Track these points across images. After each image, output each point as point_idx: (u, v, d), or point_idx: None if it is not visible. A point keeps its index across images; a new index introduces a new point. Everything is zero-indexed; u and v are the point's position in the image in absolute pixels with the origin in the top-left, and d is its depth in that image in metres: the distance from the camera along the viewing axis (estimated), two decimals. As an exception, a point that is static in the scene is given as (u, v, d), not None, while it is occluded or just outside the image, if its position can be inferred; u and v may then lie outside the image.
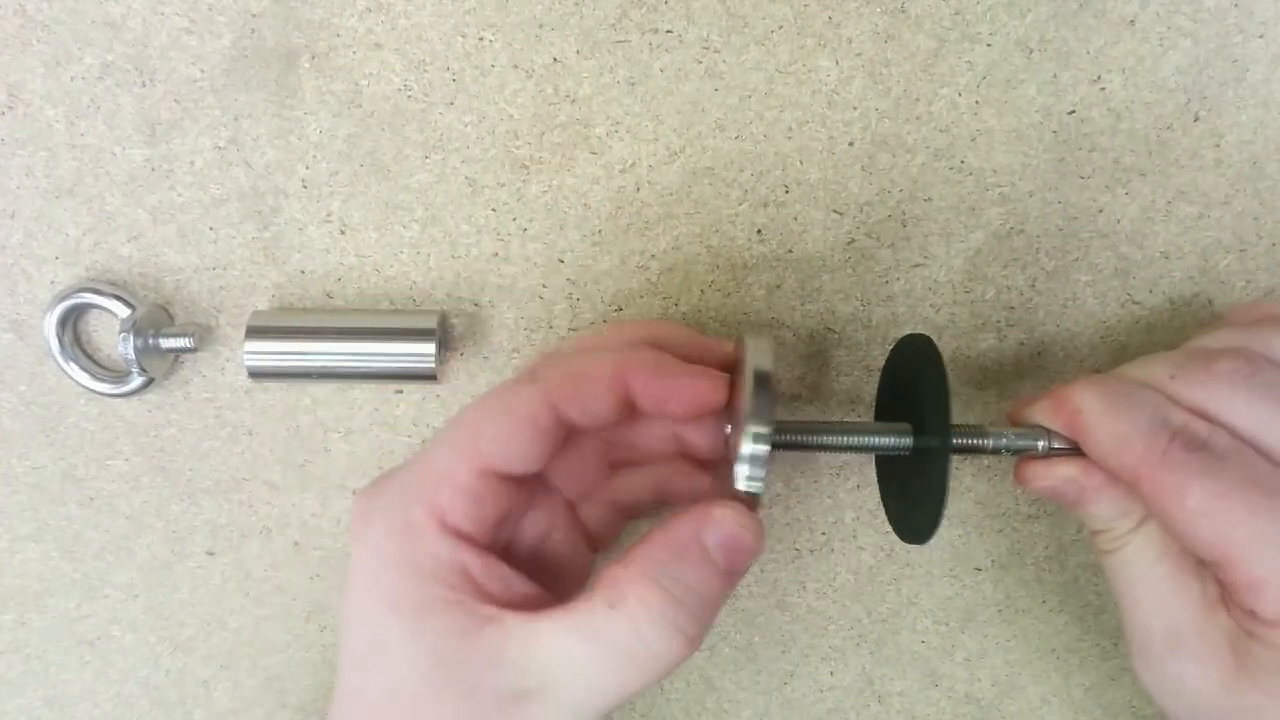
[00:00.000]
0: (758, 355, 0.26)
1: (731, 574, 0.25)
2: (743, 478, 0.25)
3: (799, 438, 0.28)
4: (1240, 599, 0.25)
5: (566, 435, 0.27)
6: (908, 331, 0.34)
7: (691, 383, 0.27)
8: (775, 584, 0.37)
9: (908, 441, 0.28)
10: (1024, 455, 0.28)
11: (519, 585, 0.26)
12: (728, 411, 0.28)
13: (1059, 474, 0.27)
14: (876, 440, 0.28)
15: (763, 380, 0.26)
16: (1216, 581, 0.27)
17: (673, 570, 0.24)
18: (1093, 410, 0.26)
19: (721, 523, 0.25)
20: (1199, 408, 0.26)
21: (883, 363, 0.32)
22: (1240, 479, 0.24)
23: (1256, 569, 0.24)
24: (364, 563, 0.26)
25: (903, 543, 0.36)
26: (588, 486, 0.30)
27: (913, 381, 0.29)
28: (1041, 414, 0.28)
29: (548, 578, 0.28)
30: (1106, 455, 0.26)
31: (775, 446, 0.25)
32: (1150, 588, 0.27)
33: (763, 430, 0.25)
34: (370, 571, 0.26)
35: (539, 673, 0.24)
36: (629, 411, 0.27)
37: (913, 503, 0.29)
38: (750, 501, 0.26)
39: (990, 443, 0.28)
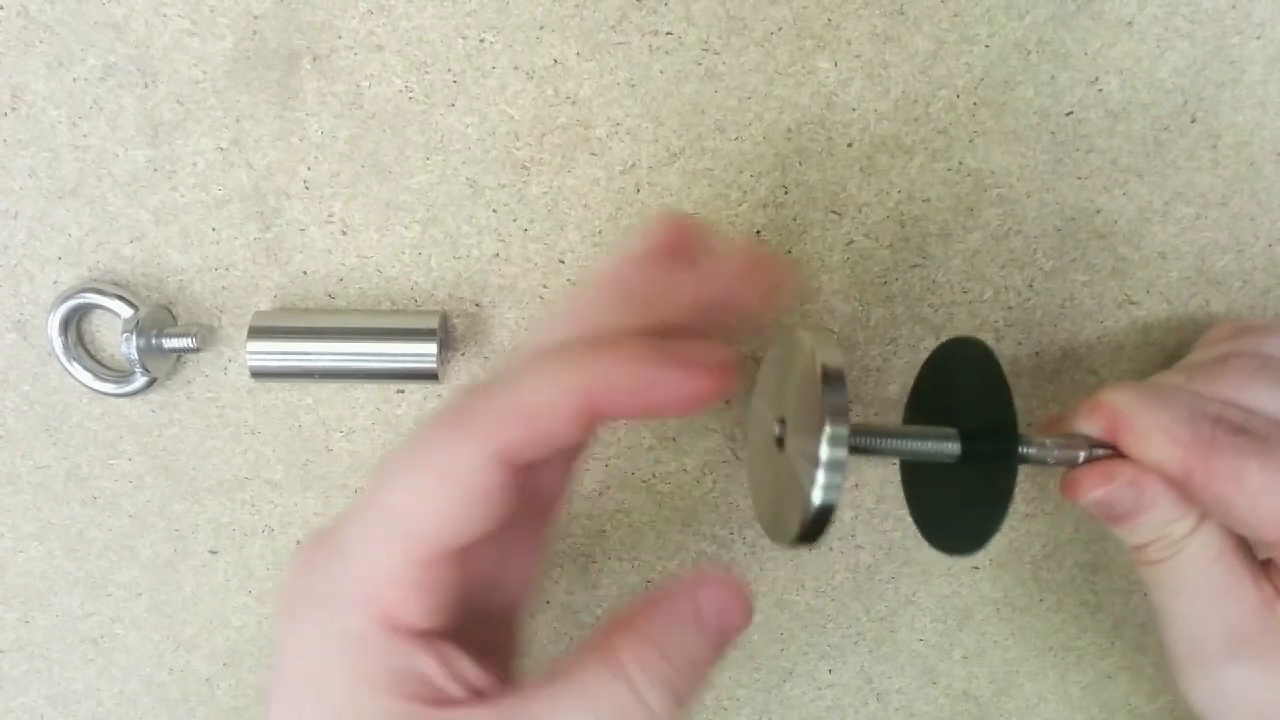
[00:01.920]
0: (824, 350, 0.24)
1: (722, 643, 0.24)
2: (819, 486, 0.23)
3: (877, 441, 0.26)
4: None
5: (524, 475, 0.23)
6: (905, 331, 0.34)
7: (688, 378, 0.22)
8: (774, 582, 0.37)
9: (955, 448, 0.27)
10: (1068, 467, 0.27)
11: (476, 677, 0.23)
12: (761, 402, 0.26)
13: (1118, 476, 0.26)
14: (947, 447, 0.27)
15: (836, 377, 0.23)
16: (1270, 578, 0.26)
17: (670, 635, 0.23)
18: (1132, 409, 0.26)
19: (717, 591, 0.24)
20: (1225, 400, 0.26)
21: (882, 363, 0.32)
22: None
23: None
24: (298, 670, 0.23)
25: (904, 544, 0.36)
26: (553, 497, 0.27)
27: (966, 387, 0.28)
28: (1077, 423, 0.27)
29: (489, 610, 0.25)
30: (1153, 451, 0.25)
31: (853, 451, 0.23)
32: (1206, 593, 0.27)
33: (842, 432, 0.22)
34: (305, 681, 0.23)
35: None
36: (602, 423, 0.23)
37: (960, 511, 0.27)
38: (729, 580, 0.24)
39: (1037, 452, 0.26)
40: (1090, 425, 0.27)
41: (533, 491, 0.26)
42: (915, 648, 0.38)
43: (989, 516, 0.25)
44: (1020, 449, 0.26)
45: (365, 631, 0.22)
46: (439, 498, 0.22)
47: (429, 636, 0.23)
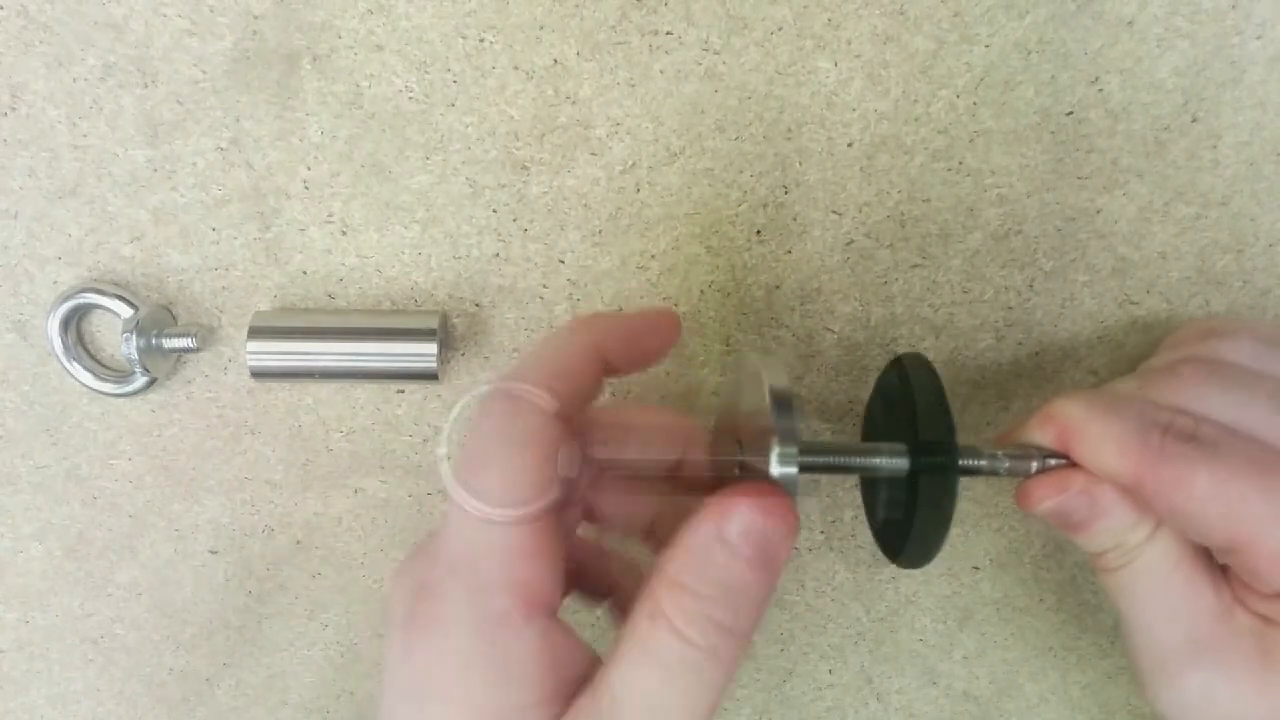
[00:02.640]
0: (772, 373, 0.25)
1: (765, 565, 0.23)
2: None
3: (827, 459, 0.27)
4: (1260, 581, 0.25)
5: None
6: (905, 331, 0.34)
7: (662, 323, 0.27)
8: (774, 582, 0.37)
9: (904, 464, 0.27)
10: (1023, 477, 0.27)
11: (584, 656, 0.24)
12: (740, 437, 0.27)
13: (1070, 486, 0.26)
14: (897, 462, 0.27)
15: (783, 398, 0.24)
16: (1229, 582, 0.26)
17: (700, 570, 0.23)
18: (1081, 419, 0.26)
19: (741, 514, 0.23)
20: (1176, 407, 0.26)
21: (882, 363, 0.32)
22: (1239, 459, 0.25)
23: (1275, 542, 0.24)
24: (432, 672, 0.23)
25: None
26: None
27: (910, 401, 0.28)
28: (1029, 434, 0.27)
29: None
30: (1103, 461, 0.26)
31: (803, 470, 0.24)
32: (1165, 599, 0.27)
33: (790, 450, 0.24)
34: (442, 680, 0.23)
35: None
36: (606, 377, 0.27)
37: (911, 524, 0.28)
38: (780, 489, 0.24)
39: (987, 464, 0.27)
40: (1042, 435, 0.27)
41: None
42: (916, 648, 0.38)
43: (936, 527, 0.26)
44: (970, 461, 0.26)
45: (508, 610, 0.23)
46: (525, 464, 0.23)
47: (556, 613, 0.24)
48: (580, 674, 0.24)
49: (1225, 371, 0.28)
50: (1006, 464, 0.27)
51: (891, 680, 0.38)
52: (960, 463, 0.26)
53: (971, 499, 0.36)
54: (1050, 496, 0.27)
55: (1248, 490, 0.24)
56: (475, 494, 0.23)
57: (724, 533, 0.23)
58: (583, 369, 0.26)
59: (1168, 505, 0.25)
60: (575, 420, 0.25)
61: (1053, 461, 0.27)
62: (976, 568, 0.37)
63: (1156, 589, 0.27)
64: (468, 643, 0.23)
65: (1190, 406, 0.26)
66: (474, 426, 0.24)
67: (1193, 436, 0.25)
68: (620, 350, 0.27)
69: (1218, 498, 0.24)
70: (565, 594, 0.26)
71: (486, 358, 0.34)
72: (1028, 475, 0.27)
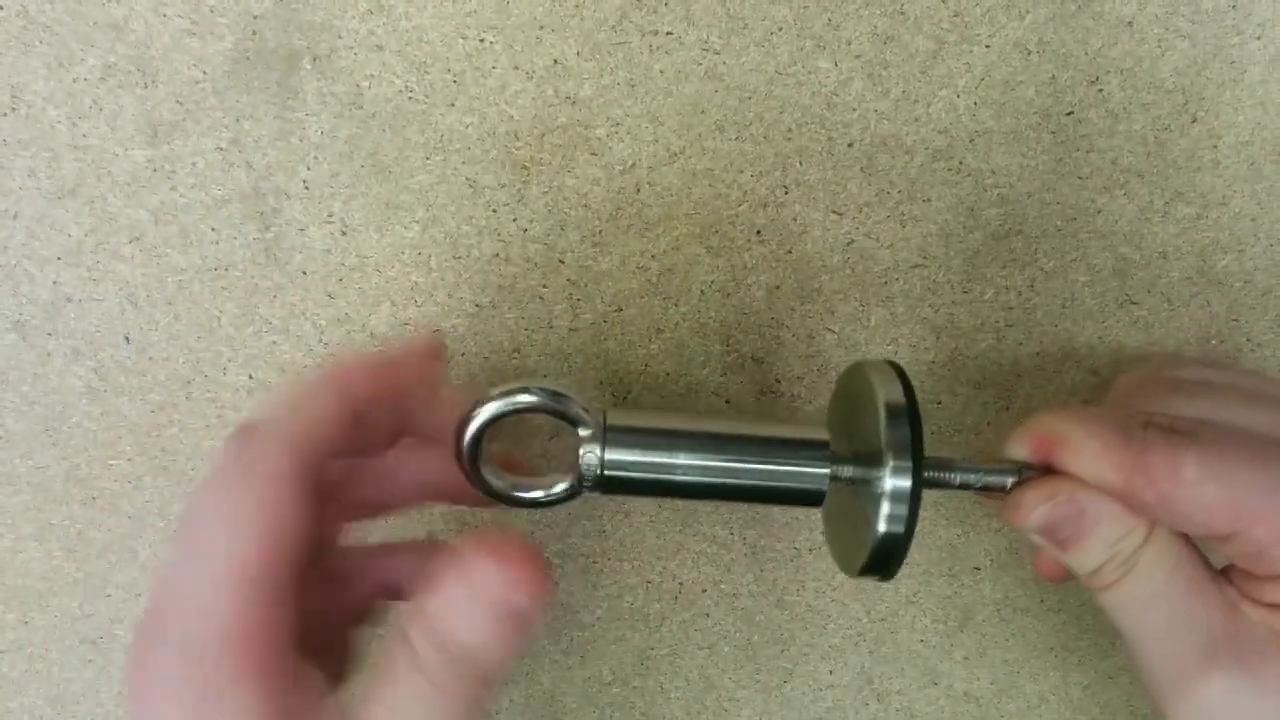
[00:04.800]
0: (886, 386, 0.25)
1: (515, 627, 0.23)
2: (884, 516, 0.25)
3: (937, 475, 0.27)
4: (1266, 563, 0.24)
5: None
6: (906, 331, 0.34)
7: (414, 351, 0.27)
8: (774, 583, 0.37)
9: (1010, 480, 0.27)
10: (1008, 491, 0.27)
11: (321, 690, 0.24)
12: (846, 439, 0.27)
13: (1059, 491, 0.26)
14: (1006, 480, 0.27)
15: (898, 411, 0.25)
16: (1232, 580, 0.26)
17: (451, 621, 0.23)
18: (1062, 427, 0.26)
19: (493, 582, 0.23)
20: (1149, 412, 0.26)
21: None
22: (1223, 440, 0.25)
23: (1276, 522, 0.24)
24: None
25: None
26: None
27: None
28: (1014, 450, 0.27)
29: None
30: (1089, 461, 0.25)
31: (927, 485, 0.24)
32: (1171, 604, 0.26)
33: (905, 464, 0.24)
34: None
35: None
36: (365, 415, 0.25)
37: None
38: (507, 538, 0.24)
39: (958, 478, 0.26)
40: (1020, 450, 0.27)
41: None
42: (916, 648, 0.38)
43: (898, 543, 0.25)
44: (947, 475, 0.26)
45: (226, 674, 0.22)
46: (248, 516, 0.23)
47: (281, 659, 0.23)
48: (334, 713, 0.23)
49: (1187, 386, 0.28)
50: (985, 478, 0.26)
51: (892, 680, 0.38)
52: (927, 475, 0.26)
53: (972, 499, 0.36)
54: (1040, 503, 0.26)
55: (1238, 466, 0.24)
56: (195, 551, 0.23)
57: (477, 587, 0.23)
58: (326, 417, 0.24)
59: (1161, 497, 0.24)
60: (318, 467, 0.24)
61: (1032, 474, 0.26)
62: (977, 568, 0.37)
63: (1160, 594, 0.26)
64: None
65: (1164, 409, 0.27)
66: (203, 482, 0.24)
67: (1173, 427, 0.25)
68: (371, 387, 0.26)
69: (1209, 479, 0.24)
70: (342, 628, 0.26)
71: (486, 358, 0.34)
72: (1004, 490, 0.27)
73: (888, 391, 0.26)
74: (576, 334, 0.34)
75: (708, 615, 0.37)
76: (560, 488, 0.27)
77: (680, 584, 0.37)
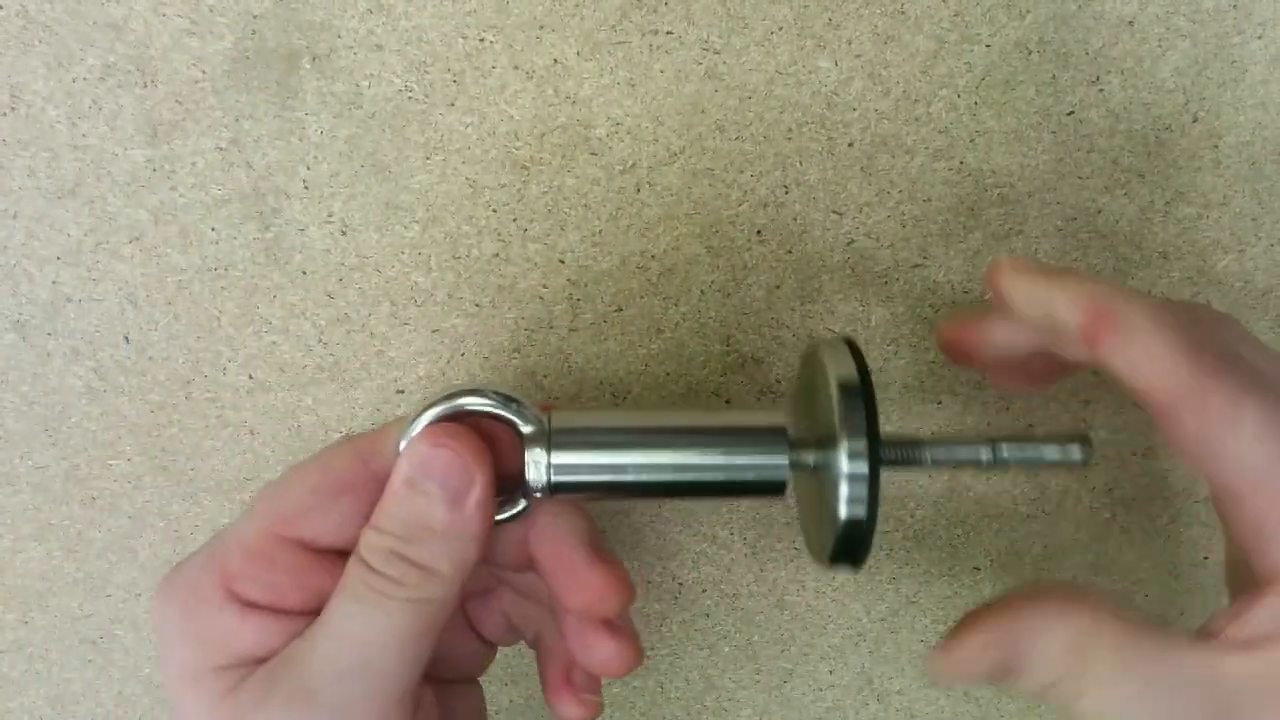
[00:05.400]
0: (836, 361, 0.24)
1: (449, 502, 0.24)
2: (844, 500, 0.23)
3: (900, 452, 0.25)
4: (1257, 547, 0.21)
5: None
6: (906, 331, 0.34)
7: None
8: (774, 583, 0.37)
9: (989, 454, 0.25)
10: (982, 465, 0.25)
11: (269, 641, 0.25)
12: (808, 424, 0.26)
13: (994, 637, 0.22)
14: (981, 454, 0.25)
15: (850, 389, 0.23)
16: (1235, 560, 0.22)
17: (388, 509, 0.24)
18: (1130, 311, 0.22)
19: (418, 452, 0.24)
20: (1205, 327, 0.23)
21: (883, 363, 0.32)
22: None
23: None
24: (159, 635, 0.25)
25: (905, 544, 0.36)
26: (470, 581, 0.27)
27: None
28: (1058, 307, 0.23)
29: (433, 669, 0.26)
30: (1145, 364, 0.21)
31: (884, 464, 0.23)
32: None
33: (859, 445, 0.23)
34: (164, 643, 0.25)
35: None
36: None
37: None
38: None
39: (928, 454, 0.25)
40: (1068, 311, 0.23)
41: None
42: (916, 649, 0.38)
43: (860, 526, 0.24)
44: (914, 452, 0.25)
45: (207, 594, 0.24)
46: (305, 479, 0.25)
47: (272, 612, 0.24)
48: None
49: (1236, 327, 0.24)
50: (955, 452, 0.24)
51: (892, 681, 0.38)
52: (891, 455, 0.24)
53: (972, 499, 0.36)
54: (977, 657, 0.23)
55: None
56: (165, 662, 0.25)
57: (409, 473, 0.24)
58: (260, 548, 0.25)
59: (1205, 436, 0.21)
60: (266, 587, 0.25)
61: (1010, 453, 0.24)
62: (977, 568, 0.37)
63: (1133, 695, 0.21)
64: (175, 615, 0.25)
65: (1214, 337, 0.22)
66: (155, 608, 0.25)
67: (1240, 361, 0.21)
68: (310, 504, 0.25)
69: (1267, 438, 0.20)
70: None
71: (486, 358, 0.34)
72: (978, 464, 0.25)
73: (840, 369, 0.24)
74: (576, 334, 0.34)
75: (708, 615, 0.37)
76: (508, 506, 0.26)
77: (680, 584, 0.37)
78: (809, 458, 0.26)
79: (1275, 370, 0.24)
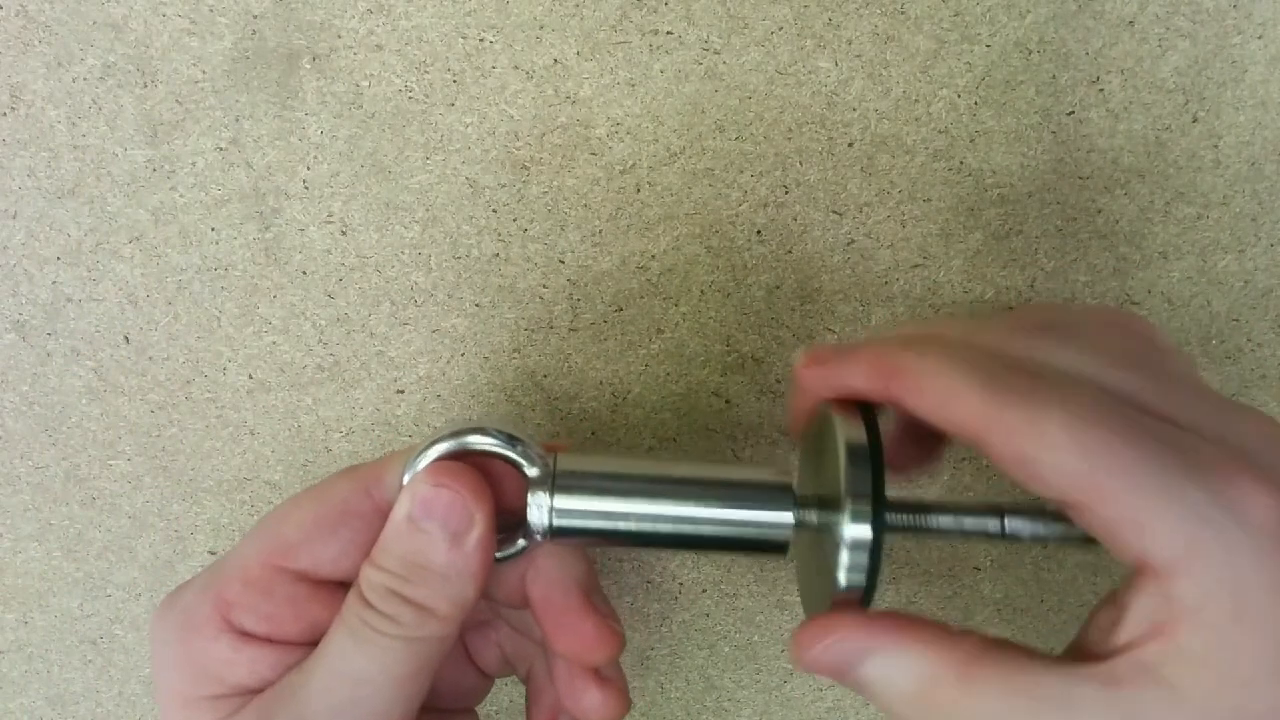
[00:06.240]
0: (847, 426, 0.23)
1: (450, 541, 0.24)
2: (844, 568, 0.22)
3: (907, 518, 0.24)
4: (1115, 545, 0.21)
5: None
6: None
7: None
8: (775, 583, 0.37)
9: (996, 525, 0.24)
10: (992, 536, 0.24)
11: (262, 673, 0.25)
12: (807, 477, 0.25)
13: (831, 638, 0.22)
14: (989, 524, 0.24)
15: (859, 454, 0.23)
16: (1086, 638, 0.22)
17: (387, 547, 0.24)
18: (910, 362, 0.22)
19: (419, 492, 0.24)
20: (1008, 351, 0.23)
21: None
22: (1092, 405, 0.21)
23: (1135, 498, 0.20)
24: (154, 660, 0.25)
25: (905, 546, 0.36)
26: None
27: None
28: (848, 375, 0.23)
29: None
30: (940, 401, 0.22)
31: (889, 529, 0.22)
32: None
33: (864, 509, 0.22)
34: (158, 669, 0.25)
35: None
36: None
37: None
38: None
39: (935, 521, 0.24)
40: (856, 377, 0.23)
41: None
42: (916, 649, 0.38)
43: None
44: (922, 519, 0.24)
45: (203, 621, 0.24)
46: (306, 508, 0.25)
47: (268, 644, 0.25)
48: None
49: (1060, 328, 0.24)
50: (963, 521, 0.24)
51: (892, 681, 0.38)
52: (897, 520, 0.24)
53: (972, 495, 0.36)
54: (814, 649, 0.23)
55: (1105, 437, 0.20)
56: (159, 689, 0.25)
57: (410, 510, 0.24)
58: (258, 578, 0.25)
59: (1015, 455, 0.21)
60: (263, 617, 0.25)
61: (1016, 523, 0.24)
62: (977, 568, 0.37)
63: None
64: (171, 640, 0.25)
65: (1028, 354, 0.23)
66: (153, 633, 0.26)
67: (1039, 376, 0.21)
68: (310, 534, 0.25)
69: (1072, 446, 0.20)
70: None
71: (486, 358, 0.34)
72: (986, 536, 0.24)
73: (849, 431, 0.23)
74: (576, 334, 0.34)
75: (708, 615, 0.37)
76: (508, 545, 0.26)
77: (680, 584, 0.37)
78: (812, 516, 0.25)
79: (1183, 373, 0.24)
